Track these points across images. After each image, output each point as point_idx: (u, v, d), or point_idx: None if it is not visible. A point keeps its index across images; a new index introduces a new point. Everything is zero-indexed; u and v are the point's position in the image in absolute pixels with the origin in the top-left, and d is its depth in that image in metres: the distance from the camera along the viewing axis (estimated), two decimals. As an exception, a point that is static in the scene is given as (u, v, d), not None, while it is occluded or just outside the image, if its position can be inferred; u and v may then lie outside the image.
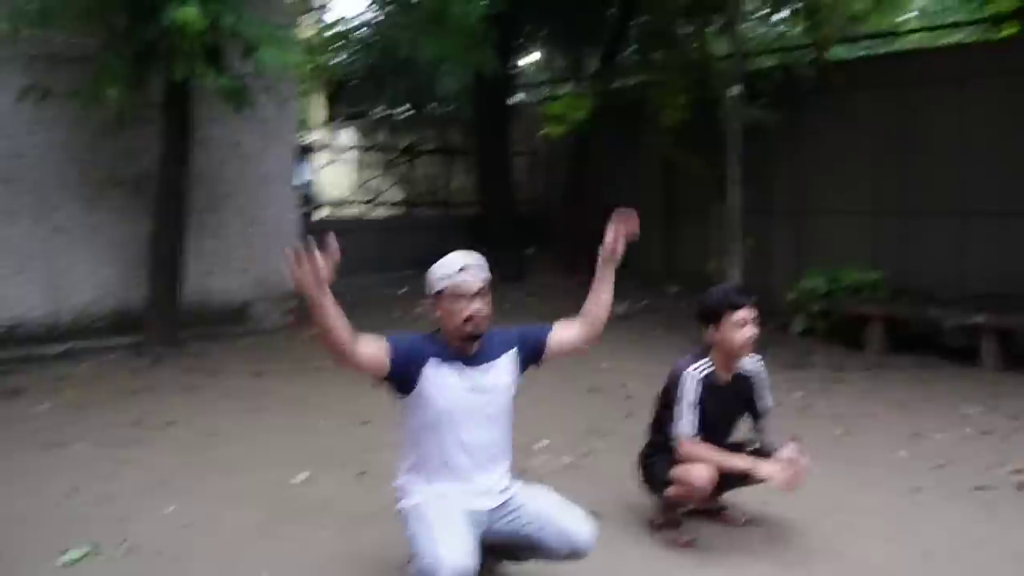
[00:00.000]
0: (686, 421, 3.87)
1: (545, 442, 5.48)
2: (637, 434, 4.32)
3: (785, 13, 9.54)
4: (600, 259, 3.50)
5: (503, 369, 3.31)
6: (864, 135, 9.46)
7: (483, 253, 3.40)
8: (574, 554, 3.22)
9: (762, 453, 3.94)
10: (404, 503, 3.28)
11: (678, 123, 9.39)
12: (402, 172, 13.40)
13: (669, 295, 10.83)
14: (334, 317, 2.94)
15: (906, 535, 4.11)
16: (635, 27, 10.94)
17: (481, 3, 8.72)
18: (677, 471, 3.85)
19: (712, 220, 9.86)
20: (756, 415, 4.15)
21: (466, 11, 8.62)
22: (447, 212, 13.02)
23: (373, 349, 3.09)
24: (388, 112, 16.38)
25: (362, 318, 9.93)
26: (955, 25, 10.81)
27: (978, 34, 10.65)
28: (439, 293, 3.22)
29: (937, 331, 7.99)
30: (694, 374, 3.92)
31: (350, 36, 14.59)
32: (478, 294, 3.19)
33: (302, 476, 4.93)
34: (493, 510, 3.25)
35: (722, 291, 4.05)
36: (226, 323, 9.14)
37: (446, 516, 3.10)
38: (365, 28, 14.20)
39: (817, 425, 5.92)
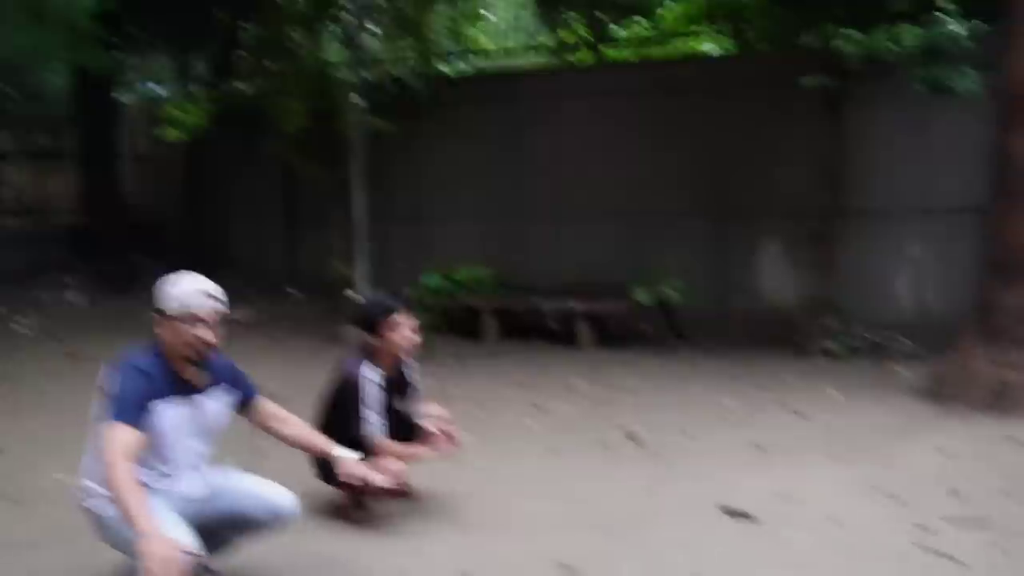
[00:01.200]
0: (375, 424, 4.20)
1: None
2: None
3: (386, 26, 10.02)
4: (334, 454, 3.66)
5: (219, 398, 3.47)
6: (472, 147, 10.33)
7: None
8: (279, 520, 3.48)
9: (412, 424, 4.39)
10: (94, 502, 3.26)
11: (297, 130, 9.54)
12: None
13: (291, 300, 10.97)
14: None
15: (555, 488, 4.80)
16: (247, 32, 10.89)
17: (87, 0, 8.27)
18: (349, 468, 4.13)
19: (334, 226, 10.19)
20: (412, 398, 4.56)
21: (69, 5, 8.14)
22: (42, 221, 11.96)
23: (134, 445, 3.08)
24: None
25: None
26: (544, 47, 12.14)
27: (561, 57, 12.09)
28: (166, 313, 3.27)
29: (541, 318, 9.01)
30: (372, 379, 4.23)
31: None
32: (207, 322, 3.27)
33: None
34: (199, 499, 3.39)
35: (375, 300, 4.43)
36: None
37: (156, 512, 3.16)
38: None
39: (453, 406, 6.31)
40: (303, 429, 3.74)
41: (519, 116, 10.25)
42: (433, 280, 9.54)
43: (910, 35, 6.60)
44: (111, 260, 11.02)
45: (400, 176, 10.48)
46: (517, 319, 9.25)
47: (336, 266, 9.93)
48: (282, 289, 11.08)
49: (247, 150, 11.31)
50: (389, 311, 4.27)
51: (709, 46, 11.39)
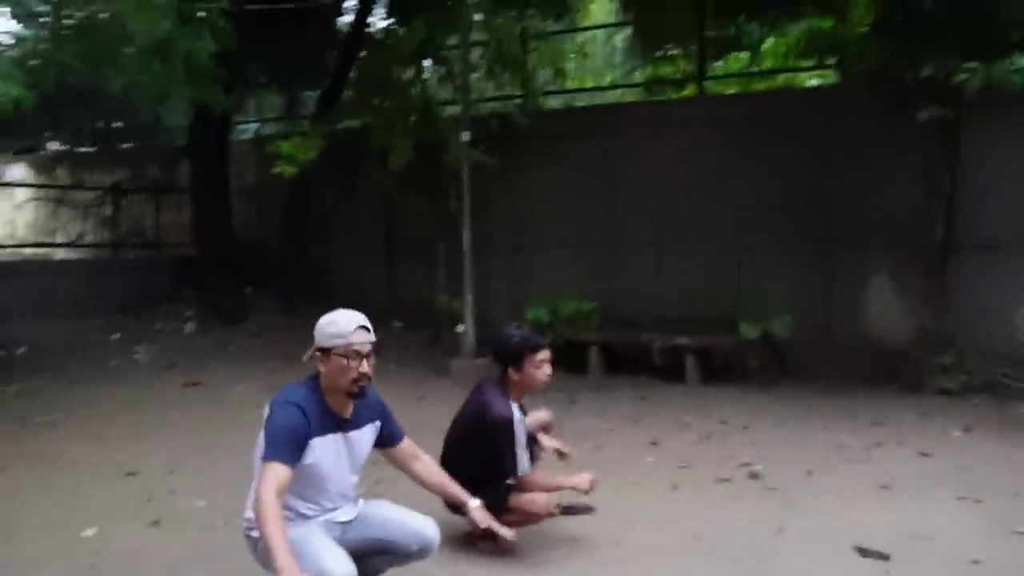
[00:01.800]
0: (522, 463, 4.31)
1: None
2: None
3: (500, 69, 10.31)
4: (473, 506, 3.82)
5: (369, 434, 3.58)
6: (572, 179, 10.44)
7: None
8: (424, 549, 3.56)
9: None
10: (255, 533, 3.38)
11: (403, 165, 9.77)
12: (103, 211, 12.61)
13: (394, 330, 11.19)
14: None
15: (676, 523, 4.80)
16: (356, 70, 11.23)
17: (208, 41, 8.63)
18: (520, 501, 4.26)
19: (437, 257, 10.39)
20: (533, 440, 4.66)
21: (194, 47, 8.50)
22: (158, 252, 12.45)
23: (285, 482, 3.19)
24: (69, 147, 15.39)
25: (78, 368, 9.45)
26: (642, 84, 12.24)
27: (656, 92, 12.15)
28: (327, 350, 3.37)
29: (647, 353, 9.00)
30: (518, 418, 4.32)
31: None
32: (367, 356, 3.39)
33: (90, 531, 4.73)
34: (346, 523, 3.51)
35: (522, 334, 4.37)
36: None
37: (314, 533, 3.34)
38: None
39: (569, 440, 6.53)
40: (442, 476, 3.83)
41: (618, 148, 10.34)
42: (538, 314, 9.61)
43: (1032, 66, 6.48)
44: (221, 291, 11.39)
45: (500, 209, 10.66)
46: (622, 354, 9.26)
47: (441, 299, 10.12)
48: (384, 320, 11.31)
49: (349, 184, 11.64)
50: (538, 347, 4.31)
51: (814, 81, 11.30)
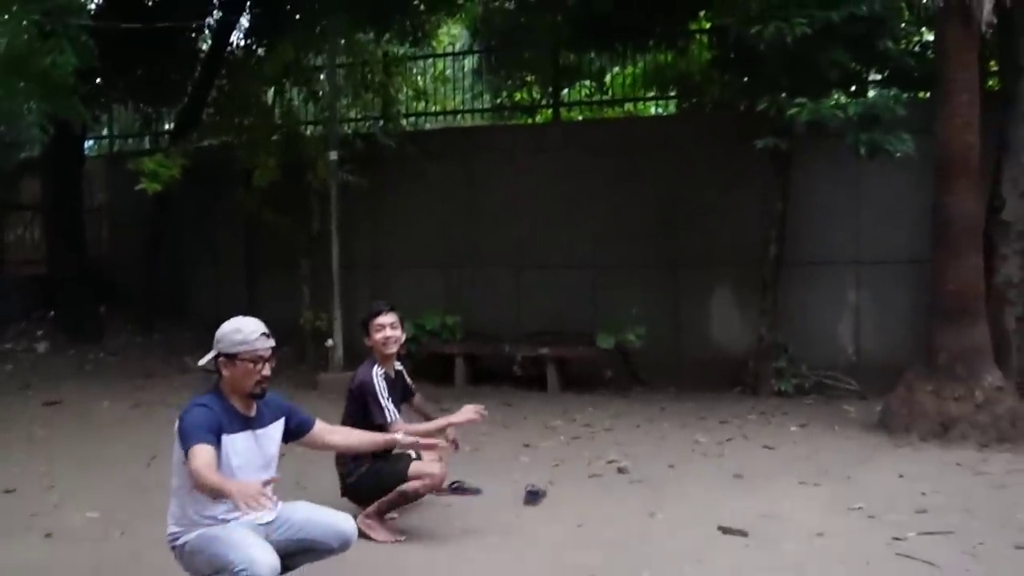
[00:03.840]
0: (389, 410, 4.78)
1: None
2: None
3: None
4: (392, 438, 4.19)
5: (276, 431, 3.82)
6: (435, 198, 10.80)
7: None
8: (344, 545, 3.81)
9: (426, 416, 5.23)
10: (185, 537, 3.59)
11: (267, 183, 9.85)
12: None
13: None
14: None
15: (558, 514, 5.25)
16: (216, 89, 11.24)
17: (70, 56, 8.52)
18: (416, 467, 4.65)
19: (301, 275, 10.51)
20: (410, 397, 5.27)
21: (54, 63, 8.38)
22: (3, 271, 11.94)
23: (212, 458, 3.40)
24: None
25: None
26: (500, 108, 12.79)
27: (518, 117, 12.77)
28: (233, 356, 3.61)
29: (510, 363, 9.46)
30: (375, 372, 4.85)
31: None
32: (269, 360, 3.65)
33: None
34: (267, 524, 3.72)
35: (369, 309, 5.07)
36: None
37: (238, 530, 3.56)
38: None
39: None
40: (360, 434, 4.16)
41: (478, 169, 10.75)
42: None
43: (853, 104, 7.35)
44: (74, 310, 11.10)
45: (364, 228, 10.85)
46: (486, 365, 9.69)
47: (306, 316, 10.25)
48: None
49: (208, 202, 11.56)
50: (375, 314, 4.95)
51: (657, 110, 12.15)
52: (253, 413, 3.70)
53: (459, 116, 12.62)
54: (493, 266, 10.64)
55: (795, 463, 6.31)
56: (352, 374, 5.09)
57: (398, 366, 5.13)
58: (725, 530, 4.87)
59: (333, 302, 9.55)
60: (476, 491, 5.49)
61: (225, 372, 3.62)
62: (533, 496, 5.44)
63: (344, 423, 4.78)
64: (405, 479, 4.69)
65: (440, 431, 4.89)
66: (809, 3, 7.44)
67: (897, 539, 4.68)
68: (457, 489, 5.42)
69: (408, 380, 5.26)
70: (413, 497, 4.82)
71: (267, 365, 3.63)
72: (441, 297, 10.57)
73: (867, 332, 9.22)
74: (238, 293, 11.61)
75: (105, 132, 13.78)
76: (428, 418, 5.17)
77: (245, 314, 3.79)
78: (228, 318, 3.71)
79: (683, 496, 5.56)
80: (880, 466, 6.16)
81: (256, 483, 3.31)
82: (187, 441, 3.44)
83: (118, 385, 9.48)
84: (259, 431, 3.72)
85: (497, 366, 9.70)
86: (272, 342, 3.68)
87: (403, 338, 5.05)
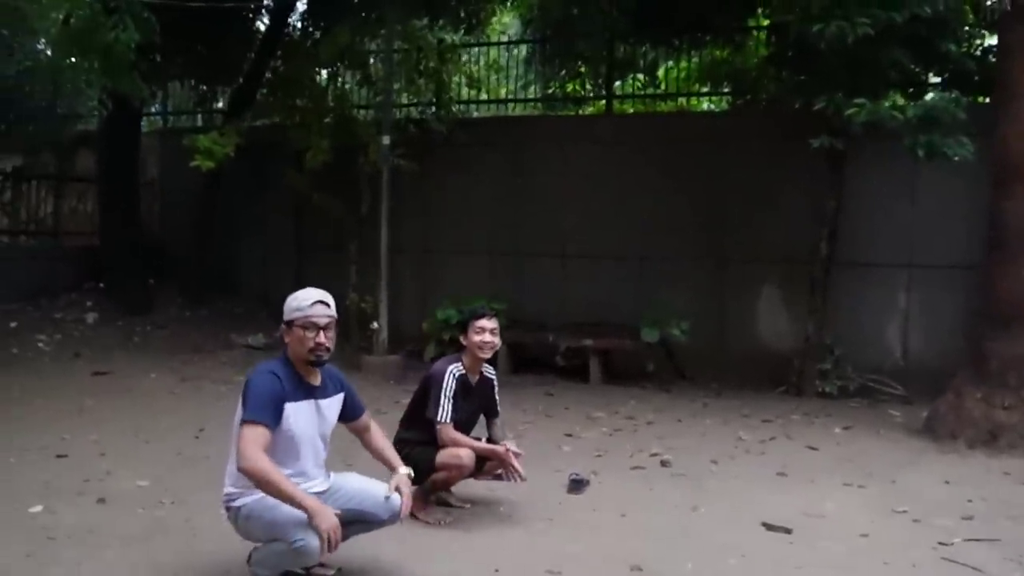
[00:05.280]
0: (444, 410, 4.75)
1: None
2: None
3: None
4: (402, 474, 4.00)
5: (336, 403, 3.93)
6: (484, 185, 10.85)
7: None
8: (393, 517, 3.89)
9: (492, 442, 5.01)
10: (243, 500, 3.67)
11: (319, 165, 9.95)
12: (2, 198, 12.22)
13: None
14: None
15: (601, 503, 5.28)
16: (271, 71, 11.36)
17: (132, 31, 8.66)
18: (443, 456, 4.71)
19: (350, 257, 10.61)
20: (490, 414, 5.14)
21: (119, 37, 8.52)
22: (59, 242, 12.17)
23: (266, 441, 3.52)
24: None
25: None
26: (552, 98, 12.80)
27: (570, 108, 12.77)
28: (290, 323, 3.71)
29: (553, 353, 9.48)
30: (453, 370, 4.82)
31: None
32: (325, 328, 3.71)
33: (36, 508, 4.86)
34: (321, 493, 3.80)
35: (471, 308, 5.16)
36: None
37: None
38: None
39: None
40: (383, 442, 4.13)
41: (527, 158, 10.79)
42: (447, 314, 9.96)
43: (912, 107, 7.27)
44: (124, 282, 11.30)
45: (412, 213, 10.93)
46: (530, 353, 9.73)
47: (352, 298, 10.34)
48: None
49: (260, 182, 11.73)
50: (478, 316, 4.93)
51: (708, 106, 12.08)
52: (318, 383, 3.80)
53: (510, 105, 12.64)
54: (539, 255, 10.69)
55: (839, 464, 6.28)
56: (432, 361, 5.27)
57: (489, 374, 5.09)
58: (769, 527, 4.87)
59: (380, 285, 9.61)
60: (521, 478, 5.52)
61: (286, 339, 3.75)
62: (577, 484, 5.48)
63: (409, 405, 4.98)
64: (434, 468, 4.73)
65: (486, 455, 4.86)
66: (871, 2, 7.37)
67: (943, 544, 4.64)
68: (500, 475, 5.46)
69: (496, 395, 5.17)
70: (443, 485, 4.89)
71: (322, 333, 3.70)
72: (486, 284, 10.63)
73: (915, 336, 9.14)
74: (286, 272, 11.75)
75: (157, 108, 13.95)
76: (492, 440, 5.07)
77: (291, 292, 3.86)
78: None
79: (726, 491, 5.55)
80: (926, 471, 6.12)
81: (332, 515, 3.40)
82: (248, 411, 3.55)
83: (165, 358, 9.66)
84: (321, 401, 3.82)
85: (541, 355, 9.74)
86: (330, 311, 3.76)
87: (498, 346, 5.00)
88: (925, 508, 5.24)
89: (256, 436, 3.49)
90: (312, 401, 3.78)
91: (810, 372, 8.77)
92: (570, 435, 7.05)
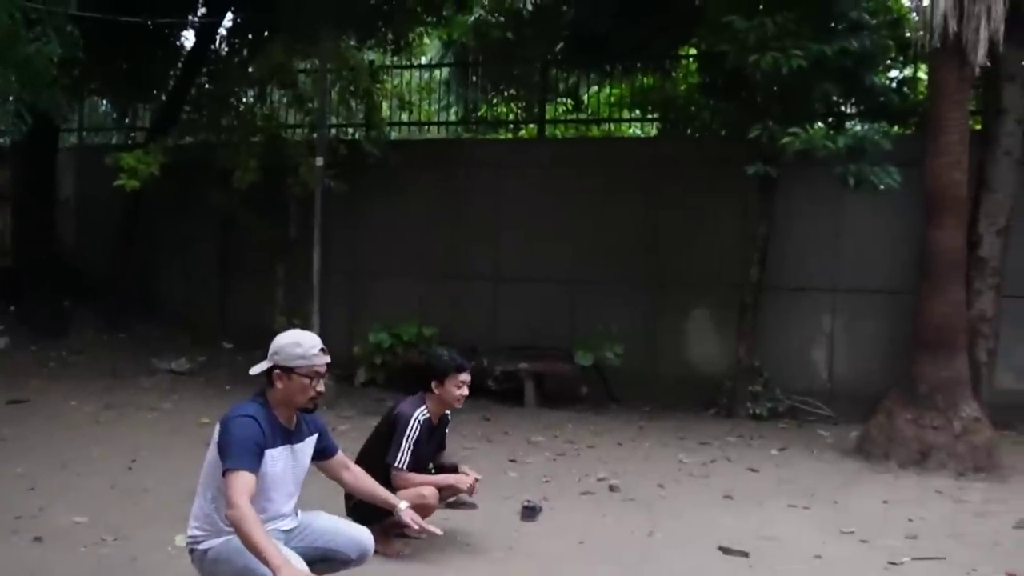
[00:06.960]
0: (404, 456, 4.67)
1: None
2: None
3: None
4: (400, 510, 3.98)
5: (310, 446, 3.80)
6: (416, 208, 10.77)
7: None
8: (362, 556, 3.81)
9: (447, 469, 4.99)
10: (210, 543, 3.54)
11: (246, 185, 9.72)
12: None
13: (225, 350, 10.99)
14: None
15: (557, 530, 5.26)
16: (197, 89, 11.10)
17: (55, 45, 8.36)
18: (408, 496, 4.55)
19: (278, 279, 10.40)
20: (440, 447, 5.12)
21: (39, 51, 8.22)
22: (-32, 262, 11.62)
23: (252, 488, 3.38)
24: None
25: None
26: (486, 122, 12.83)
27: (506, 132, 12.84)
28: (291, 369, 3.56)
29: (487, 376, 9.43)
30: (419, 416, 4.72)
31: None
32: (323, 375, 3.63)
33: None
34: (289, 531, 3.71)
35: (452, 356, 4.90)
36: None
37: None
38: None
39: None
40: (371, 482, 4.06)
41: (460, 182, 10.75)
42: (379, 338, 9.84)
43: (843, 136, 7.52)
44: (38, 304, 10.84)
45: (343, 235, 10.74)
46: (464, 377, 9.64)
47: (280, 320, 10.11)
48: (213, 338, 11.08)
49: (182, 200, 11.36)
50: (462, 368, 4.80)
51: (635, 131, 12.28)
52: (294, 426, 3.68)
53: (440, 128, 12.62)
54: (472, 278, 10.65)
55: (781, 486, 6.41)
56: (395, 401, 5.00)
57: (447, 413, 5.03)
58: (726, 550, 4.92)
59: (312, 309, 9.43)
60: (473, 506, 5.47)
61: (279, 384, 3.57)
62: (531, 512, 5.45)
63: (367, 441, 4.86)
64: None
65: (441, 488, 4.80)
66: (803, 35, 7.61)
67: (893, 564, 4.77)
68: (454, 503, 5.40)
69: (447, 430, 5.13)
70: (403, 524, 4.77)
71: (321, 381, 3.62)
72: (418, 308, 10.52)
73: (840, 359, 9.40)
74: (210, 295, 11.47)
75: (74, 124, 13.48)
76: (441, 470, 5.02)
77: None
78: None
79: (678, 515, 5.60)
80: (865, 491, 6.29)
81: (297, 568, 3.29)
82: (232, 459, 3.39)
83: (85, 384, 9.26)
84: (297, 445, 3.70)
85: (473, 379, 9.64)
86: (328, 358, 3.64)
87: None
88: (870, 528, 5.38)
89: (244, 485, 3.35)
90: (288, 446, 3.66)
91: (741, 394, 8.95)
92: (514, 460, 7.02)
